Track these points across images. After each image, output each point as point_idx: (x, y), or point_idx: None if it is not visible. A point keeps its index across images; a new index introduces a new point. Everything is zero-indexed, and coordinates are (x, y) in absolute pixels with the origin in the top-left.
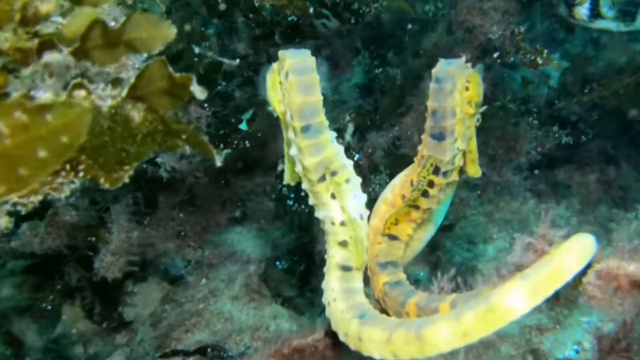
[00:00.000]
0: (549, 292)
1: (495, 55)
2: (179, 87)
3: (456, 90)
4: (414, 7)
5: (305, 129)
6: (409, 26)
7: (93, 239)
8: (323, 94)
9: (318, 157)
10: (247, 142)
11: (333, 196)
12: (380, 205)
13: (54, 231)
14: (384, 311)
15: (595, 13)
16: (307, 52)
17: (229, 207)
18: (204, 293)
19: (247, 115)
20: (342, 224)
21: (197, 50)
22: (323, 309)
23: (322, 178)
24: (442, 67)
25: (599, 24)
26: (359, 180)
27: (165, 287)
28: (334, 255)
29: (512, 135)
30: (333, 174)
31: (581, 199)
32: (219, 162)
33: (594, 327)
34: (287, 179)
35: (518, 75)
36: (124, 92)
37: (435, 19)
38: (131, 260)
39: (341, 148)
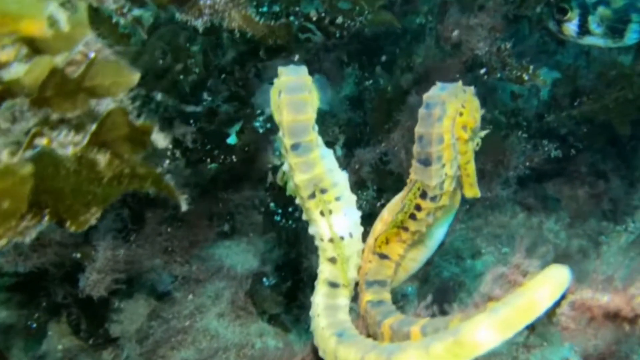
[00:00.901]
0: (519, 326)
1: (482, 71)
2: (141, 134)
3: (445, 116)
4: (403, 20)
5: (295, 147)
6: (397, 40)
7: (79, 255)
8: (323, 111)
9: (307, 175)
10: (234, 156)
11: (322, 213)
12: (377, 224)
13: (39, 249)
14: (367, 328)
15: (584, 29)
16: (303, 70)
17: (217, 222)
18: (191, 309)
19: (235, 128)
20: (331, 240)
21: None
22: (309, 325)
23: (312, 195)
24: (434, 92)
25: (588, 40)
26: (353, 198)
27: (152, 303)
28: (323, 271)
29: (500, 150)
30: (323, 191)
31: (571, 212)
32: (184, 207)
33: (581, 346)
34: (288, 191)
35: (508, 87)
36: (86, 140)
37: (423, 33)
38: (117, 278)
39: (335, 165)
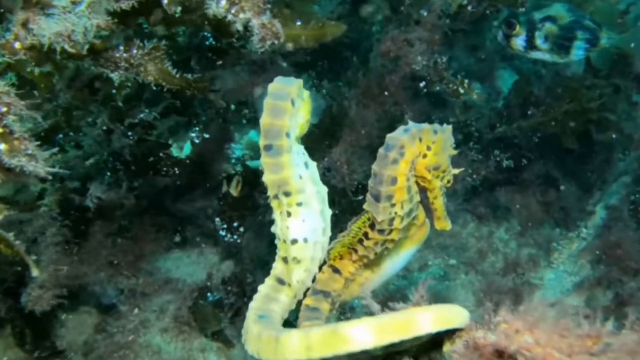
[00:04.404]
0: (393, 336)
1: (422, 84)
2: None
3: (402, 160)
4: (358, 28)
5: (267, 148)
6: (351, 49)
7: (19, 269)
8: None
9: (274, 176)
10: (176, 168)
11: (282, 214)
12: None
13: None
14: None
15: (530, 44)
16: (296, 83)
17: (166, 233)
18: (135, 324)
19: (181, 140)
20: (284, 241)
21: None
22: None
23: (276, 196)
24: (396, 133)
25: (535, 54)
26: (325, 210)
27: (98, 316)
28: (276, 267)
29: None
30: (286, 194)
31: (522, 220)
32: (34, 272)
33: None
34: None
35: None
36: None
37: (371, 44)
38: (59, 294)
39: (310, 175)
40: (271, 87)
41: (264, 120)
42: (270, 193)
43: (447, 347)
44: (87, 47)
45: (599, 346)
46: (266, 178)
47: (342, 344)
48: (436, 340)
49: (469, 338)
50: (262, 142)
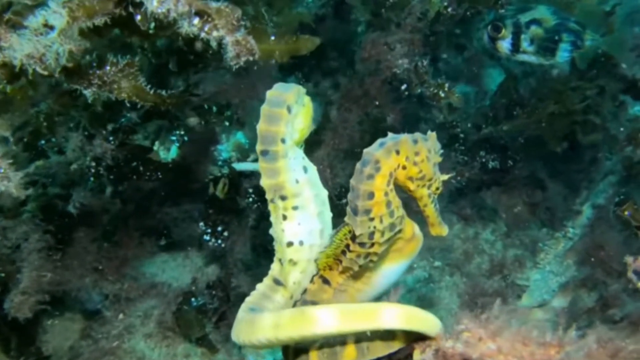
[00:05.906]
0: (356, 324)
1: (403, 87)
2: None
3: (378, 174)
4: (343, 29)
5: (263, 153)
6: (336, 50)
7: (2, 275)
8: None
9: (271, 181)
10: (160, 172)
11: (278, 217)
12: None
13: None
14: None
15: (516, 47)
16: (293, 89)
17: (152, 237)
18: (120, 329)
19: (167, 143)
20: (280, 244)
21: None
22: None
23: (273, 200)
24: (371, 149)
25: (521, 57)
26: (319, 211)
27: (84, 322)
28: (273, 268)
29: None
30: (283, 198)
31: (508, 221)
32: None
33: None
34: None
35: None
36: None
37: (355, 45)
38: (42, 300)
39: (306, 178)
40: (269, 93)
41: (261, 126)
42: (267, 197)
43: (417, 356)
44: (59, 69)
45: (561, 355)
46: (263, 182)
47: (309, 325)
48: (409, 352)
49: (438, 347)
50: (258, 148)
